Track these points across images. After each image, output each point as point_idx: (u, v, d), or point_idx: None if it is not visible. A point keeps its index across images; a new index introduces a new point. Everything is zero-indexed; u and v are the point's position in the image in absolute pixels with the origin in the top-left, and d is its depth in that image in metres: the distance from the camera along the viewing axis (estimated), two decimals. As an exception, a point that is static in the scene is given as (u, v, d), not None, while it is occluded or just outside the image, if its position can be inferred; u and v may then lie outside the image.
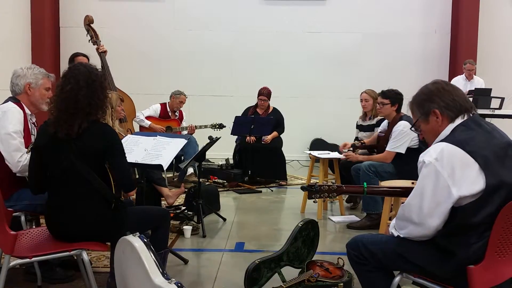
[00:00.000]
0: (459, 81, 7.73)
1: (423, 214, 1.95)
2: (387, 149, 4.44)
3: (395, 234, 2.11)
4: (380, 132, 4.85)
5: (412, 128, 2.21)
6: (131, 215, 2.66)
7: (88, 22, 5.57)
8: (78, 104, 2.45)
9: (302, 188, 2.31)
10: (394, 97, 4.55)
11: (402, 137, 4.33)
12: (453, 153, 1.90)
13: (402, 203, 2.17)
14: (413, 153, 4.12)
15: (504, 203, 1.87)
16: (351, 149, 4.85)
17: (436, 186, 1.90)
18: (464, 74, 7.82)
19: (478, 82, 7.67)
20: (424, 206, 1.93)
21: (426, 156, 1.95)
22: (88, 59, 5.12)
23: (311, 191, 2.28)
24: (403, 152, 4.34)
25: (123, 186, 2.65)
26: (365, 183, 2.33)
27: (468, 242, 1.90)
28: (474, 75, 7.76)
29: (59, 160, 2.48)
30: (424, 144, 4.37)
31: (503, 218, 1.87)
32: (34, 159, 2.58)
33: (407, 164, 4.07)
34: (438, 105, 2.04)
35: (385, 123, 4.81)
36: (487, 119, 4.45)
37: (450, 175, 1.88)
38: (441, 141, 1.98)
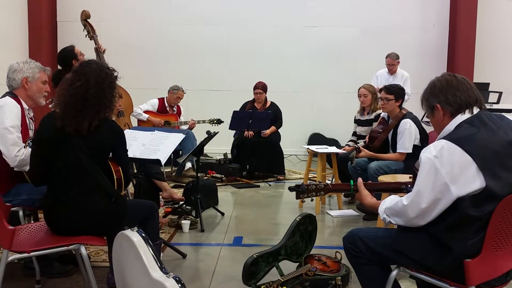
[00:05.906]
0: (382, 75, 7.10)
1: (420, 210, 1.95)
2: (398, 150, 4.44)
3: (387, 220, 2.11)
4: (372, 132, 4.85)
5: (423, 120, 2.21)
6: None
7: (85, 17, 5.51)
8: (86, 102, 2.45)
9: (290, 189, 2.31)
10: (398, 92, 4.54)
11: (410, 136, 4.36)
12: (452, 151, 1.89)
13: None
14: (419, 150, 4.13)
15: None
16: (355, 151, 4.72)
17: (434, 183, 1.90)
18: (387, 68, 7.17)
19: (402, 76, 7.00)
20: (422, 202, 1.93)
21: (426, 153, 1.95)
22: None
23: (298, 191, 2.28)
24: (411, 151, 4.37)
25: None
26: (351, 181, 2.32)
27: (466, 237, 1.91)
28: (398, 69, 7.06)
29: (65, 155, 2.47)
30: (424, 141, 4.40)
31: (501, 212, 1.87)
32: (36, 151, 2.56)
33: (414, 160, 4.08)
34: (439, 100, 2.05)
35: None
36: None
37: (448, 172, 1.88)
38: (444, 138, 1.98)
